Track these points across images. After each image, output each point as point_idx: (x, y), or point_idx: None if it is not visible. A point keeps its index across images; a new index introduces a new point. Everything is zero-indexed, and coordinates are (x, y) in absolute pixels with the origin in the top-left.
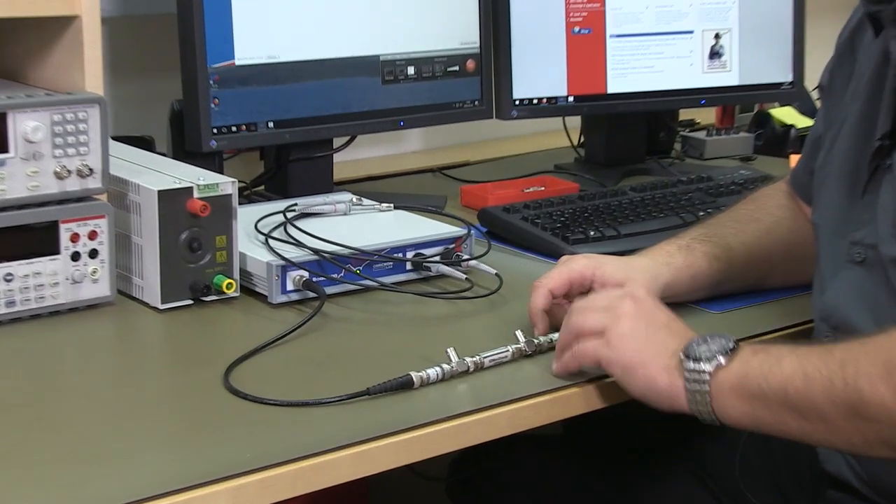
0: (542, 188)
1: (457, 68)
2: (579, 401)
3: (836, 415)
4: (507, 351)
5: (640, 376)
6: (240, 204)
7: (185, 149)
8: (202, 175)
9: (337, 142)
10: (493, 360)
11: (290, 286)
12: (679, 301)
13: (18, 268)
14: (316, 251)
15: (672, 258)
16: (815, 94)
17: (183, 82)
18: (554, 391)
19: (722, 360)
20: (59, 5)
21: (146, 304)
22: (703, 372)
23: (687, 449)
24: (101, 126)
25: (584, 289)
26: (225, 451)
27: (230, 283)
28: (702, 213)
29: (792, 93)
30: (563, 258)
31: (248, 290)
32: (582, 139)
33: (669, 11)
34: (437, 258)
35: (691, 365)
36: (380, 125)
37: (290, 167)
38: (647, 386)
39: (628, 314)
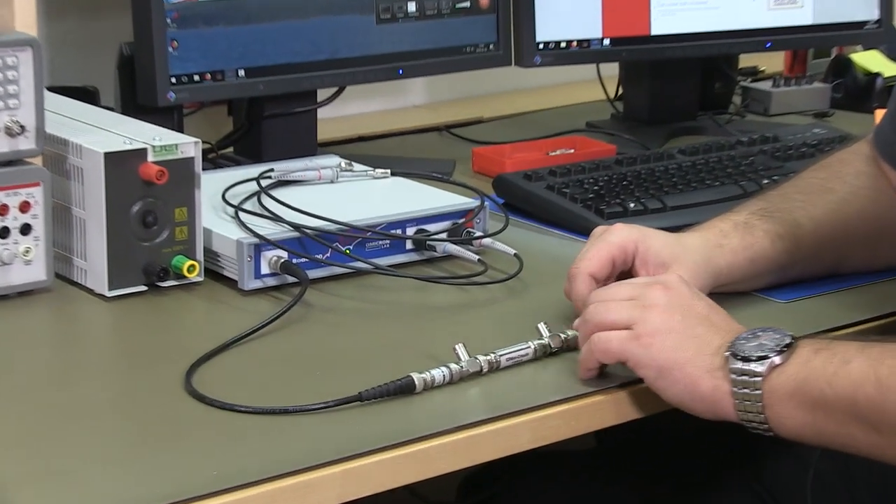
0: (572, 151)
1: (468, 4)
2: (615, 408)
3: None
4: (529, 347)
5: (677, 379)
6: (204, 169)
7: (136, 102)
8: (158, 134)
9: (321, 94)
10: (512, 358)
11: (265, 269)
12: (736, 290)
13: None
14: (296, 227)
15: (727, 238)
16: None
17: (134, 21)
18: (585, 396)
19: (776, 359)
20: None
21: (90, 291)
22: (754, 374)
23: (746, 465)
24: (34, 74)
25: (626, 267)
26: (186, 468)
27: (192, 266)
28: (766, 182)
29: (878, 34)
30: (598, 231)
31: (213, 273)
32: (620, 91)
33: None
34: (444, 235)
35: (739, 365)
36: (374, 74)
37: (265, 125)
38: (687, 391)
39: (659, 304)
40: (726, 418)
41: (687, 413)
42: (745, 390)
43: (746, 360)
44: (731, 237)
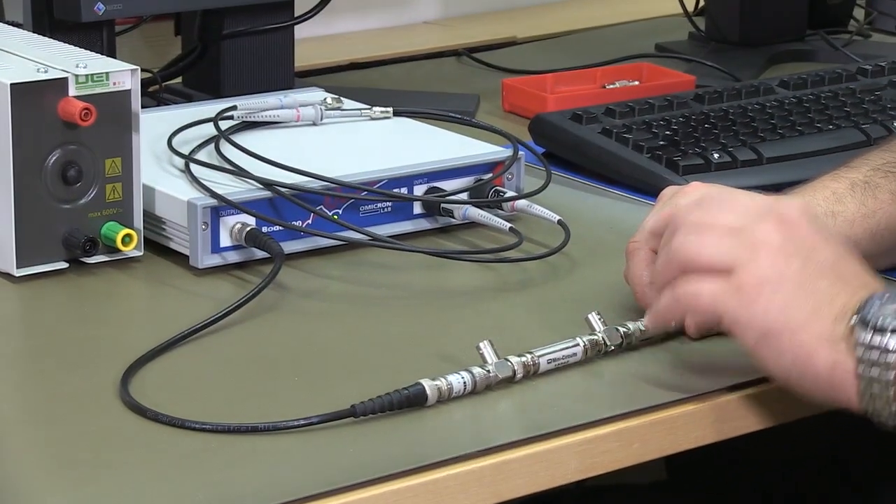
0: (636, 83)
1: None
2: (694, 427)
3: None
4: (577, 345)
5: (784, 349)
6: (144, 107)
7: (52, 16)
8: (82, 59)
9: (301, 6)
10: (554, 360)
11: (225, 241)
12: None
13: None
14: (267, 184)
15: (841, 203)
16: None
17: None
18: (653, 410)
19: None
20: None
21: None
22: (888, 350)
23: (857, 500)
24: None
25: None
26: (123, 501)
27: (128, 236)
28: None
29: None
30: (667, 192)
31: (158, 246)
32: (702, 3)
33: None
34: (465, 196)
35: (869, 337)
36: None
37: (225, 47)
38: (796, 365)
39: (772, 244)
40: (847, 406)
41: (792, 435)
42: (874, 371)
43: (880, 330)
44: (847, 201)
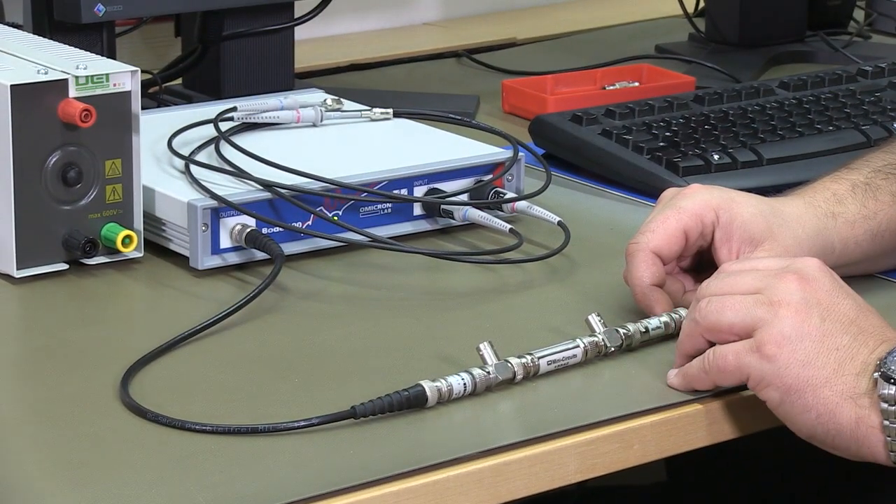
0: (636, 84)
1: None
2: (694, 429)
3: None
4: (577, 347)
5: (808, 405)
6: (144, 108)
7: (53, 18)
8: (82, 61)
9: (301, 7)
10: (555, 361)
11: (225, 242)
12: (853, 273)
13: None
14: (267, 185)
15: (842, 204)
16: None
17: None
18: (654, 412)
19: None
20: None
21: None
22: None
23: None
24: None
25: (705, 242)
26: (123, 502)
27: (128, 237)
28: None
29: None
30: (667, 194)
31: (158, 247)
32: (702, 4)
33: None
34: (465, 197)
35: (893, 391)
36: None
37: (225, 48)
38: (821, 422)
39: (792, 302)
40: (873, 460)
41: (791, 436)
42: None
43: None
44: (848, 203)
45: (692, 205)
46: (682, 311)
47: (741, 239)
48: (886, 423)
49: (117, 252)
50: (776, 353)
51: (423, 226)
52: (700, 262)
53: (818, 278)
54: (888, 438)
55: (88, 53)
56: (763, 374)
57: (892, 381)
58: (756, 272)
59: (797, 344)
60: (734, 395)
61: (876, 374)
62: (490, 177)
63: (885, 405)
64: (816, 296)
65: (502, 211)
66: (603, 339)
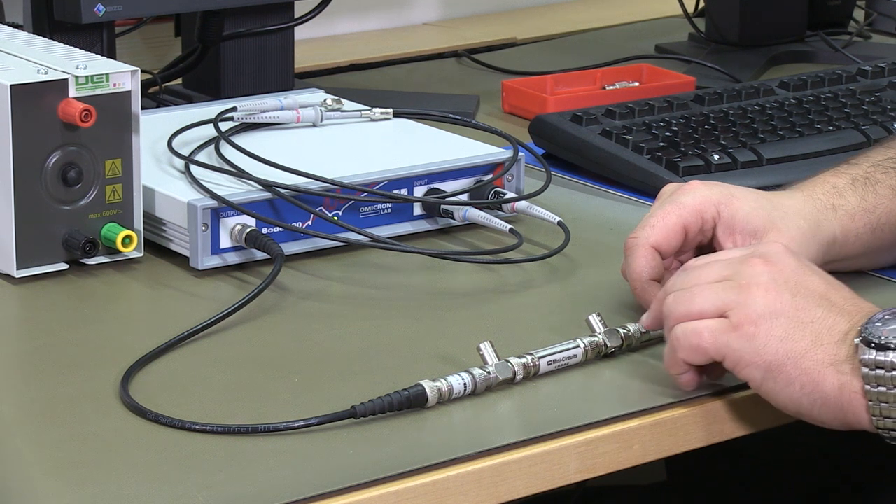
0: (636, 84)
1: None
2: (693, 428)
3: None
4: (577, 347)
5: (791, 378)
6: (144, 108)
7: (53, 18)
8: (82, 61)
9: (301, 7)
10: (555, 361)
11: (225, 242)
12: (852, 268)
13: None
14: (267, 185)
15: (842, 197)
16: None
17: None
18: (654, 412)
19: None
20: None
21: None
22: (894, 367)
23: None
24: None
25: (704, 238)
26: (123, 502)
27: (128, 237)
28: None
29: None
30: (667, 189)
31: (158, 247)
32: (702, 4)
33: None
34: (465, 197)
35: (873, 355)
36: None
37: (225, 49)
38: (805, 392)
39: (761, 282)
40: (858, 426)
41: (791, 436)
42: (882, 388)
43: (883, 347)
44: (848, 196)
45: (692, 200)
46: None
47: (744, 232)
48: (868, 387)
49: (117, 252)
50: (754, 331)
51: (423, 226)
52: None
53: (783, 259)
54: (870, 403)
55: (88, 53)
56: (742, 354)
57: (873, 345)
58: (720, 262)
59: (773, 321)
60: (734, 396)
61: (857, 340)
62: (490, 177)
63: (866, 370)
64: (784, 274)
65: (502, 211)
66: (603, 339)
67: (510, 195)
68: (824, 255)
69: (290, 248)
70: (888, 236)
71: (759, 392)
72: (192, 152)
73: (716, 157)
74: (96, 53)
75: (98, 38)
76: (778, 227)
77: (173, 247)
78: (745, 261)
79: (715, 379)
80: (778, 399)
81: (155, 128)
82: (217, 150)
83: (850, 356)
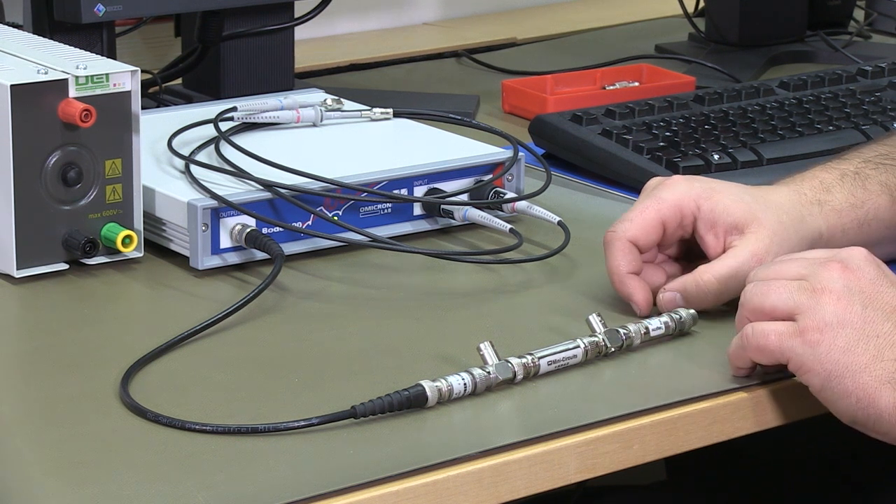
0: (636, 84)
1: None
2: (694, 429)
3: None
4: (577, 347)
5: (848, 391)
6: (144, 108)
7: (52, 18)
8: (82, 60)
9: (301, 7)
10: (555, 361)
11: (225, 242)
12: None
13: None
14: (267, 185)
15: (829, 193)
16: None
17: None
18: (653, 412)
19: None
20: None
21: None
22: None
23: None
24: None
25: (685, 232)
26: (123, 502)
27: (128, 237)
28: None
29: None
30: (650, 184)
31: (158, 247)
32: (702, 4)
33: None
34: (465, 197)
35: None
36: None
37: (225, 49)
38: (860, 406)
39: (834, 289)
40: None
41: (791, 437)
42: None
43: None
44: (836, 191)
45: (671, 195)
46: (683, 312)
47: (725, 225)
48: None
49: (117, 252)
50: (818, 339)
51: (423, 226)
52: (688, 250)
53: (862, 267)
54: None
55: (88, 53)
56: (804, 360)
57: None
58: (803, 260)
59: (838, 331)
60: (733, 396)
61: None
62: (490, 177)
63: None
64: (859, 284)
65: (502, 211)
66: (603, 339)
67: (510, 195)
68: (809, 249)
69: (290, 248)
70: (876, 232)
71: (818, 398)
72: (192, 152)
73: (716, 157)
74: (96, 53)
75: (98, 38)
76: (759, 220)
77: (173, 247)
78: (825, 263)
79: (773, 372)
80: (835, 408)
81: (155, 128)
82: (217, 150)
83: None
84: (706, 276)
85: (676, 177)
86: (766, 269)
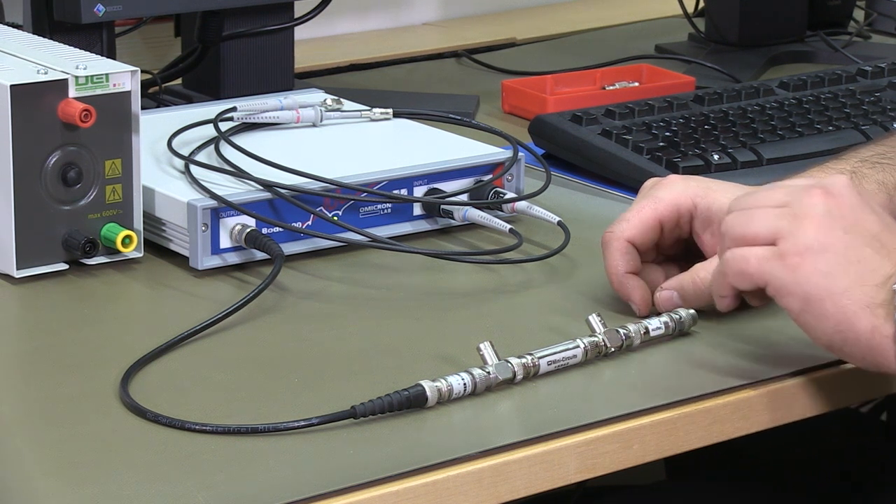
0: (636, 84)
1: None
2: (694, 428)
3: None
4: (577, 347)
5: (827, 314)
6: (144, 108)
7: (52, 18)
8: (82, 61)
9: (301, 7)
10: (555, 361)
11: (225, 242)
12: None
13: None
14: (267, 185)
15: None
16: None
17: None
18: (653, 412)
19: None
20: None
21: None
22: None
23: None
24: None
25: (682, 231)
26: (123, 502)
27: (128, 237)
28: None
29: None
30: (647, 184)
31: (157, 247)
32: (702, 4)
33: None
34: (465, 197)
35: None
36: None
37: (225, 49)
38: (838, 329)
39: (815, 214)
40: (885, 369)
41: (788, 434)
42: None
43: None
44: None
45: (668, 195)
46: (683, 312)
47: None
48: None
49: (117, 252)
50: (799, 262)
51: (423, 226)
52: (687, 250)
53: (843, 193)
54: None
55: (88, 53)
56: (784, 283)
57: None
58: (784, 188)
59: (819, 255)
60: (733, 396)
61: (894, 286)
62: (490, 177)
63: None
64: (841, 210)
65: (502, 211)
66: (603, 340)
67: (510, 195)
68: None
69: (290, 248)
70: None
71: (796, 322)
72: (192, 152)
73: (716, 157)
74: (96, 53)
75: (98, 38)
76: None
77: (173, 247)
78: (807, 190)
79: (758, 305)
80: (812, 332)
81: (155, 128)
82: (217, 150)
83: (888, 300)
84: (702, 273)
85: (673, 176)
86: (747, 198)
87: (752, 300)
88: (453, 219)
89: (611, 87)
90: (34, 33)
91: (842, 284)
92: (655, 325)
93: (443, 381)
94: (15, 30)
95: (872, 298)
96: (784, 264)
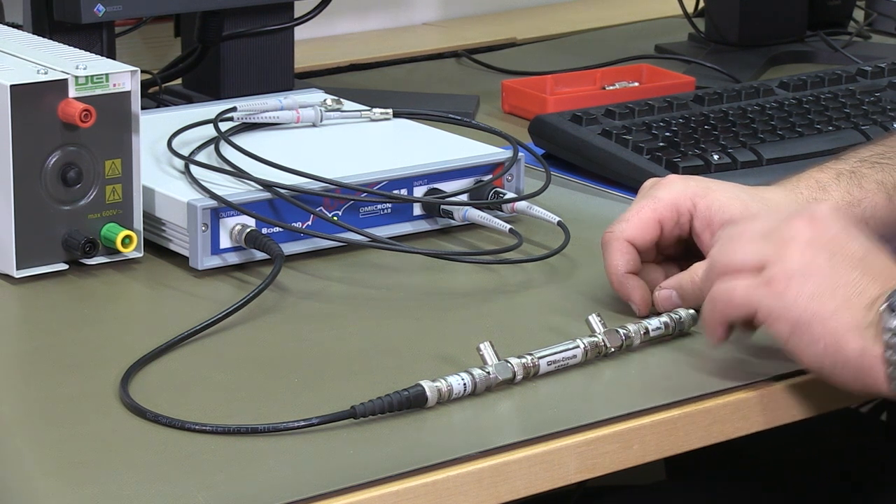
0: (636, 84)
1: None
2: (697, 428)
3: None
4: (577, 347)
5: (816, 337)
6: (144, 108)
7: (52, 18)
8: (82, 61)
9: (300, 7)
10: (555, 361)
11: (225, 242)
12: None
13: None
14: (267, 185)
15: (825, 192)
16: None
17: None
18: (653, 412)
19: None
20: None
21: None
22: None
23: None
24: None
25: (682, 231)
26: (123, 502)
27: (128, 237)
28: None
29: None
30: (647, 185)
31: (157, 247)
32: (702, 4)
33: None
34: (464, 197)
35: (895, 323)
36: None
37: (225, 49)
38: (828, 353)
39: (800, 240)
40: (876, 391)
41: (788, 434)
42: None
43: None
44: (832, 190)
45: (667, 195)
46: (682, 312)
47: (721, 222)
48: (889, 353)
49: (117, 252)
50: (785, 287)
51: (423, 226)
52: (687, 250)
53: (827, 219)
54: (890, 370)
55: (88, 53)
56: (772, 309)
57: None
58: (768, 217)
59: (805, 279)
60: (733, 396)
61: (882, 307)
62: (490, 177)
63: (888, 336)
64: (825, 235)
65: (502, 211)
66: (603, 340)
67: (510, 195)
68: None
69: (289, 248)
70: (873, 230)
71: (785, 348)
72: (192, 152)
73: (716, 157)
74: (96, 53)
75: (98, 38)
76: (756, 217)
77: (173, 247)
78: (791, 218)
79: (749, 332)
80: (802, 356)
81: (155, 128)
82: (217, 150)
83: (875, 322)
84: (701, 273)
85: (672, 176)
86: (732, 229)
87: (743, 329)
88: (453, 219)
89: (611, 87)
90: (34, 33)
91: (829, 307)
92: (655, 325)
93: (443, 381)
94: (15, 30)
95: (860, 320)
96: (771, 290)
